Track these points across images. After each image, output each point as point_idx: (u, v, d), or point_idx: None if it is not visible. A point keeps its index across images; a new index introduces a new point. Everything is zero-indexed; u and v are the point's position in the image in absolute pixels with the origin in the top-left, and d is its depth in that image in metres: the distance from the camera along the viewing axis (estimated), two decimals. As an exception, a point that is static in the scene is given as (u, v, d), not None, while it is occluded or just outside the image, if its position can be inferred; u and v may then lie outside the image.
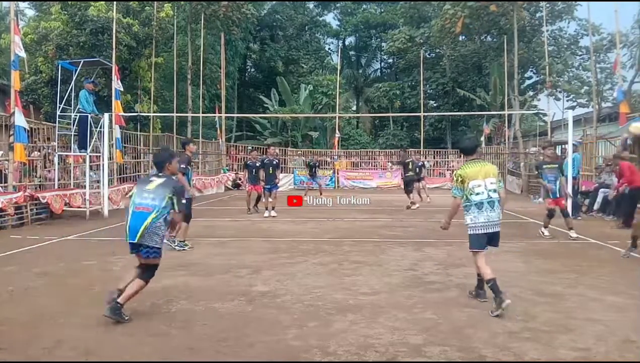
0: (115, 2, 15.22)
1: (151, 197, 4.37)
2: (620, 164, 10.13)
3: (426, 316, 4.40)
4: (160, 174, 4.62)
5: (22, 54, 10.64)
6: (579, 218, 11.56)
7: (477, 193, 4.71)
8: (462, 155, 5.28)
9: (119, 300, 4.23)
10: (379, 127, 38.72)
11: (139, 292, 4.35)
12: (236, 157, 25.08)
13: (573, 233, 8.57)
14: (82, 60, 13.07)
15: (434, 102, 37.63)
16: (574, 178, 11.78)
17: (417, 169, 14.84)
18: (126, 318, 4.23)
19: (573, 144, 12.38)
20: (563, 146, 18.39)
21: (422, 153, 26.25)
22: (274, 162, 12.14)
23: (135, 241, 4.29)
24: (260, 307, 4.70)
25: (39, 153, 12.32)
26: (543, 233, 8.90)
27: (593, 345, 3.72)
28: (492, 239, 4.77)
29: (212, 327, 4.14)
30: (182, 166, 6.81)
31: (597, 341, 3.79)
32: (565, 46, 29.65)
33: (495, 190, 4.73)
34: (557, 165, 8.89)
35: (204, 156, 22.51)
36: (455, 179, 4.89)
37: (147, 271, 4.41)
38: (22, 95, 16.89)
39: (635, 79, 24.34)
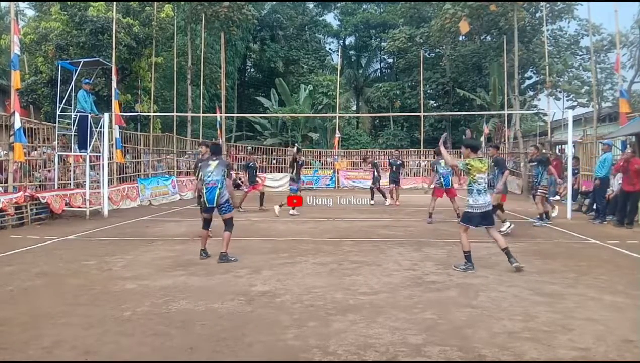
0: (115, 2, 15.20)
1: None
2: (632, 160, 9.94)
3: (426, 316, 4.41)
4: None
5: (19, 53, 10.61)
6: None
7: (479, 183, 6.18)
8: (469, 150, 6.40)
9: (222, 250, 6.64)
10: (379, 127, 38.72)
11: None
12: (236, 157, 25.05)
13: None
14: (82, 60, 13.06)
15: (434, 102, 37.60)
16: (604, 178, 11.32)
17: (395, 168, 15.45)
18: (233, 259, 6.64)
19: (607, 144, 12.00)
20: (562, 146, 18.44)
21: (422, 153, 26.32)
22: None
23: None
24: (259, 307, 4.70)
25: (36, 152, 12.31)
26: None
27: (592, 345, 3.73)
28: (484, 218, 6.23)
29: (211, 327, 4.14)
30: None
31: (596, 341, 3.79)
32: (565, 46, 29.60)
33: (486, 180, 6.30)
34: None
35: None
36: (464, 164, 6.23)
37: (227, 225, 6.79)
38: (22, 96, 16.95)
39: (635, 79, 24.34)
